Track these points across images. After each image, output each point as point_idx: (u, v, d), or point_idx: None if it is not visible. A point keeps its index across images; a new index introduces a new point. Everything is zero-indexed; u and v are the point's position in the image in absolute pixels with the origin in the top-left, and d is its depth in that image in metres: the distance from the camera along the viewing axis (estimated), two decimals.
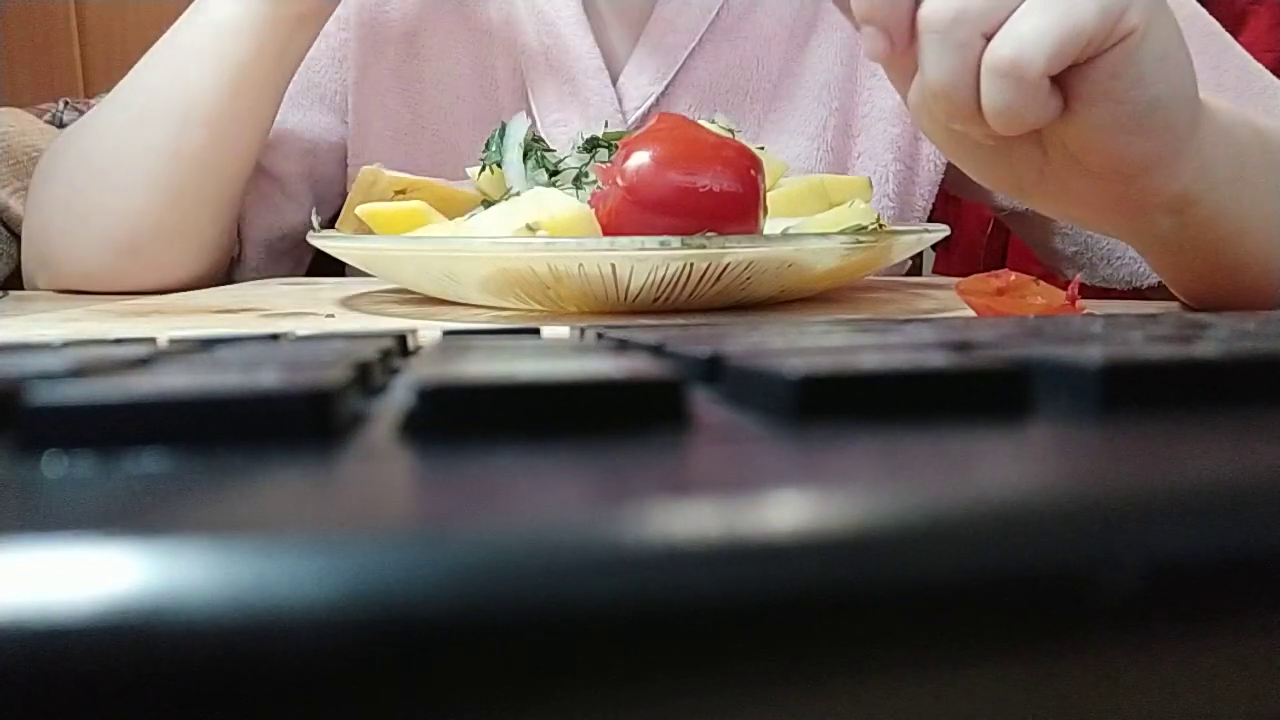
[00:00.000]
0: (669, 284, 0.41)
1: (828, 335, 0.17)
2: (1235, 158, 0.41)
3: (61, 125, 0.79)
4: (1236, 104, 0.54)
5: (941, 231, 0.48)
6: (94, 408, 0.10)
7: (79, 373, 0.13)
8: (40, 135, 0.74)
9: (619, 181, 0.42)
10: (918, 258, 0.81)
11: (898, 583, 0.07)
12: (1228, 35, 0.59)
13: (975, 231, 1.13)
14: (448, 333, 0.21)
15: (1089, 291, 0.54)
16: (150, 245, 0.61)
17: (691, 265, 0.39)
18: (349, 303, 0.49)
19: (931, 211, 0.70)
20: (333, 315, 0.44)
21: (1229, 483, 0.08)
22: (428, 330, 0.23)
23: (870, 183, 0.56)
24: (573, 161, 0.52)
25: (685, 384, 0.11)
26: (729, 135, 0.47)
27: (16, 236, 0.68)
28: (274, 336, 0.20)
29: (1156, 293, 0.50)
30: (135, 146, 0.59)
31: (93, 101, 0.68)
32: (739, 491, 0.08)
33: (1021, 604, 0.07)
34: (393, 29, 0.70)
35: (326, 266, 0.71)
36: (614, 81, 0.66)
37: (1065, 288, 0.37)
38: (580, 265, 0.39)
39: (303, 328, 0.29)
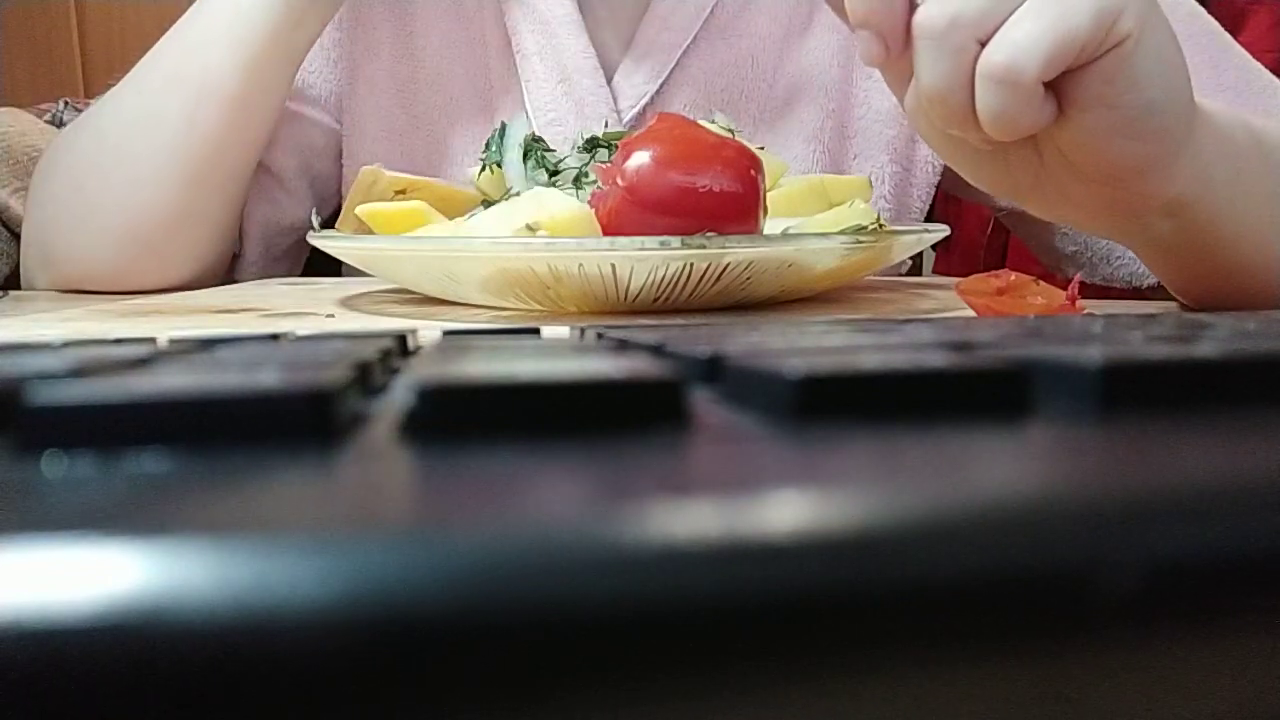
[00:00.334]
0: (669, 284, 0.41)
1: (828, 335, 0.17)
2: (1231, 161, 0.41)
3: (61, 125, 0.79)
4: (1236, 103, 0.54)
5: (941, 231, 0.48)
6: (94, 408, 0.10)
7: (79, 373, 0.13)
8: (40, 135, 0.74)
9: (619, 181, 0.42)
10: (918, 258, 0.81)
11: (898, 583, 0.07)
12: (1227, 35, 0.59)
13: (975, 231, 1.13)
14: (448, 333, 0.21)
15: (1089, 291, 0.54)
16: (158, 235, 0.61)
17: (691, 265, 0.39)
18: (349, 303, 0.49)
19: (930, 212, 0.70)
20: (333, 315, 0.44)
21: (1229, 483, 0.08)
22: (428, 330, 0.23)
23: (870, 182, 0.56)
24: (573, 161, 0.52)
25: (685, 384, 0.11)
26: (729, 135, 0.47)
27: (16, 236, 0.68)
28: (274, 336, 0.20)
29: (1157, 292, 0.50)
30: (150, 127, 0.60)
31: (92, 102, 0.68)
32: (739, 491, 0.08)
33: (1021, 604, 0.07)
34: (386, 28, 0.70)
35: (326, 266, 0.71)
36: (609, 80, 0.66)
37: (1065, 288, 0.37)
38: (580, 265, 0.39)
39: (303, 328, 0.29)
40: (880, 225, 0.48)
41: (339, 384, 0.11)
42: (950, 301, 0.48)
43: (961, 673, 0.07)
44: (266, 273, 0.70)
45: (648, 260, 0.39)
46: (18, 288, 0.66)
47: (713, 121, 0.50)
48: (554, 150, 0.53)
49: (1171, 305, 0.49)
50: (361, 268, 0.48)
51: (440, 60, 0.69)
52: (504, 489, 0.08)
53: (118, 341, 0.19)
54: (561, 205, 0.43)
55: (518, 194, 0.50)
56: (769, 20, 0.67)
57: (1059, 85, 0.35)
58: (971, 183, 0.43)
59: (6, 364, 0.14)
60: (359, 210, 0.50)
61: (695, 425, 0.11)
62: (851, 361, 0.12)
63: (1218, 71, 0.57)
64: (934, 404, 0.11)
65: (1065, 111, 0.35)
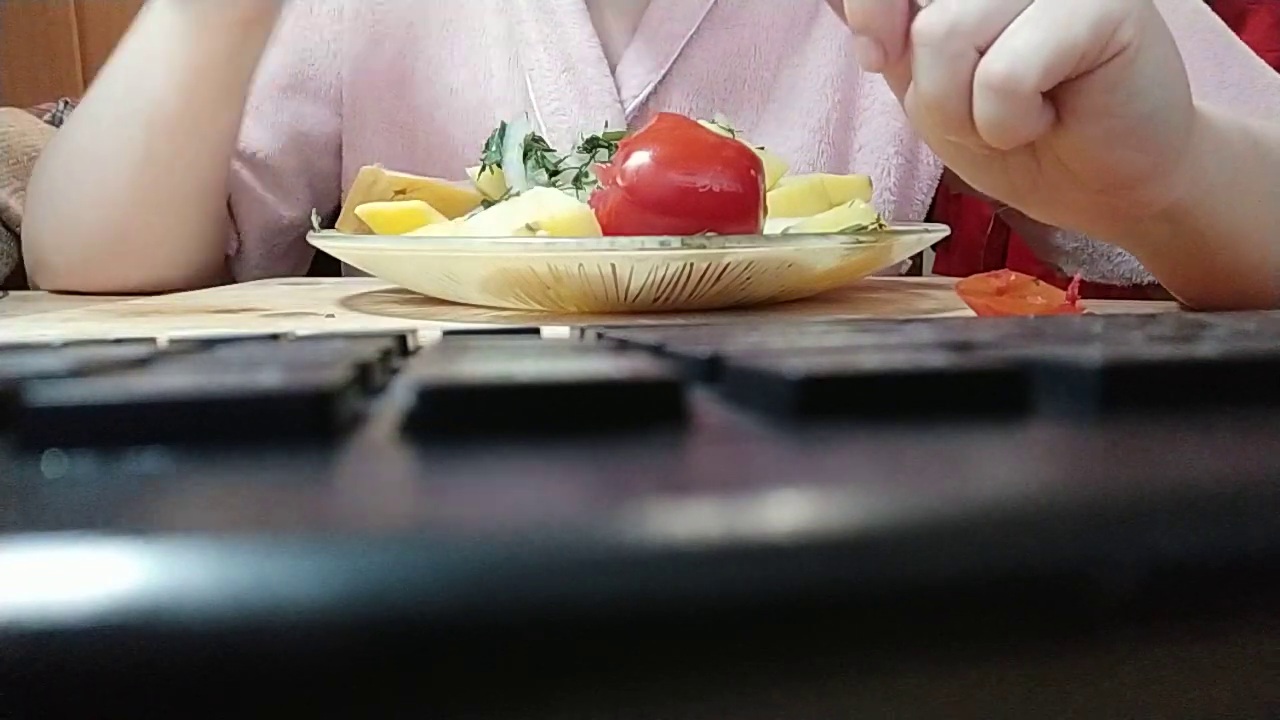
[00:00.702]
0: (669, 284, 0.41)
1: (828, 335, 0.17)
2: (1230, 166, 0.41)
3: (61, 125, 0.79)
4: (1238, 101, 0.54)
5: (941, 231, 0.48)
6: (94, 408, 0.10)
7: (79, 373, 0.13)
8: (40, 135, 0.74)
9: (619, 181, 0.42)
10: (918, 258, 0.81)
11: (898, 583, 0.07)
12: (1231, 32, 0.59)
13: (975, 231, 1.13)
14: (448, 333, 0.21)
15: (1089, 291, 0.54)
16: (132, 247, 0.61)
17: (691, 265, 0.39)
18: (349, 303, 0.49)
19: (931, 210, 0.70)
20: (333, 315, 0.44)
21: (1229, 483, 0.08)
22: (428, 330, 0.23)
23: (870, 182, 0.56)
24: (573, 161, 0.52)
25: (685, 384, 0.11)
26: (729, 135, 0.47)
27: (16, 236, 0.68)
28: (274, 336, 0.20)
29: (1157, 289, 0.50)
30: (105, 154, 0.60)
31: None
32: (739, 491, 0.08)
33: (1021, 604, 0.07)
34: (388, 21, 0.70)
35: (326, 266, 0.71)
36: (612, 70, 0.66)
37: (1065, 288, 0.37)
38: (580, 265, 0.39)
39: (303, 328, 0.29)
40: (880, 225, 0.48)
41: (339, 384, 0.11)
42: (950, 301, 0.48)
43: (961, 673, 0.07)
44: (269, 271, 0.70)
45: (648, 260, 0.39)
46: (18, 288, 0.66)
47: (713, 121, 0.50)
48: (554, 150, 0.53)
49: (1171, 305, 0.49)
50: (361, 268, 0.48)
51: (441, 52, 0.69)
52: (504, 489, 0.08)
53: (118, 341, 0.19)
54: (561, 205, 0.43)
55: (518, 194, 0.50)
56: (773, 9, 0.67)
57: (1058, 93, 0.35)
58: (970, 184, 0.43)
59: (6, 364, 0.14)
60: (359, 210, 0.50)
61: (695, 425, 0.11)
62: (851, 361, 0.12)
63: (1221, 69, 0.57)
64: (934, 404, 0.11)
65: (1064, 120, 0.35)
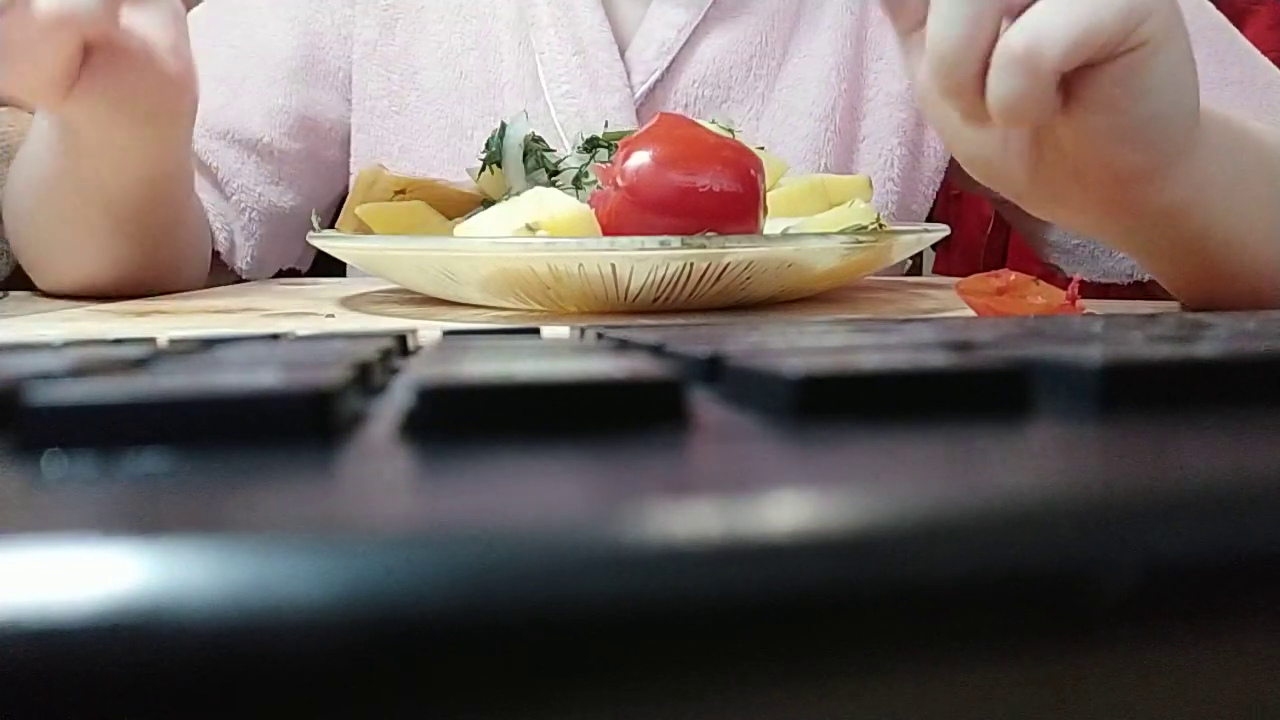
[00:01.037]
0: (669, 284, 0.41)
1: (828, 335, 0.17)
2: (1231, 169, 0.40)
3: None
4: (1240, 98, 0.54)
5: (941, 231, 0.48)
6: (94, 408, 0.10)
7: (79, 373, 0.13)
8: None
9: (619, 181, 0.42)
10: (918, 258, 0.81)
11: (898, 583, 0.07)
12: (1233, 28, 0.59)
13: (975, 231, 1.13)
14: (448, 333, 0.21)
15: (1089, 290, 0.54)
16: (106, 285, 0.56)
17: (691, 265, 0.39)
18: (349, 303, 0.49)
19: (932, 210, 0.70)
20: (333, 315, 0.44)
21: (1229, 483, 0.08)
22: (428, 330, 0.23)
23: (870, 183, 0.56)
24: (573, 161, 0.52)
25: (685, 384, 0.11)
26: (729, 135, 0.47)
27: None
28: (274, 336, 0.20)
29: (1159, 287, 0.50)
30: (57, 246, 0.56)
31: None
32: (739, 491, 0.08)
33: (1021, 604, 0.07)
34: (399, 4, 0.70)
35: (327, 267, 0.70)
36: (622, 55, 0.66)
37: (1065, 288, 0.37)
38: (580, 265, 0.39)
39: (303, 328, 0.29)
40: (880, 225, 0.48)
41: (339, 384, 0.11)
42: (950, 301, 0.48)
43: (961, 672, 0.07)
44: (269, 262, 0.69)
45: (648, 260, 0.39)
46: (18, 288, 0.66)
47: (713, 121, 0.50)
48: (554, 150, 0.53)
49: (1172, 305, 0.49)
50: (361, 268, 0.48)
51: (451, 36, 0.69)
52: (504, 489, 0.08)
53: (118, 341, 0.19)
54: (561, 205, 0.43)
55: (518, 194, 0.50)
56: None
57: (1068, 81, 0.35)
58: (969, 172, 0.43)
59: (6, 364, 0.14)
60: (359, 210, 0.50)
61: (695, 425, 0.11)
62: (851, 361, 0.12)
63: (1223, 66, 0.57)
64: (934, 404, 0.11)
65: (1071, 109, 0.35)
